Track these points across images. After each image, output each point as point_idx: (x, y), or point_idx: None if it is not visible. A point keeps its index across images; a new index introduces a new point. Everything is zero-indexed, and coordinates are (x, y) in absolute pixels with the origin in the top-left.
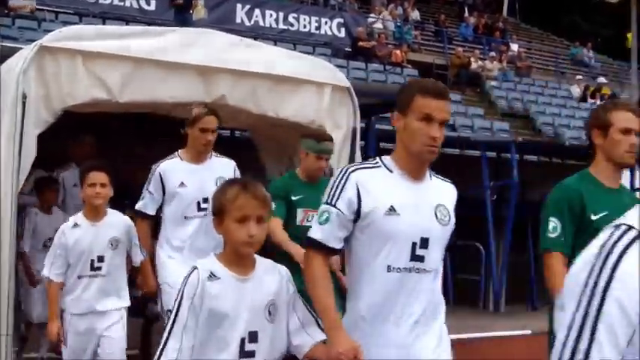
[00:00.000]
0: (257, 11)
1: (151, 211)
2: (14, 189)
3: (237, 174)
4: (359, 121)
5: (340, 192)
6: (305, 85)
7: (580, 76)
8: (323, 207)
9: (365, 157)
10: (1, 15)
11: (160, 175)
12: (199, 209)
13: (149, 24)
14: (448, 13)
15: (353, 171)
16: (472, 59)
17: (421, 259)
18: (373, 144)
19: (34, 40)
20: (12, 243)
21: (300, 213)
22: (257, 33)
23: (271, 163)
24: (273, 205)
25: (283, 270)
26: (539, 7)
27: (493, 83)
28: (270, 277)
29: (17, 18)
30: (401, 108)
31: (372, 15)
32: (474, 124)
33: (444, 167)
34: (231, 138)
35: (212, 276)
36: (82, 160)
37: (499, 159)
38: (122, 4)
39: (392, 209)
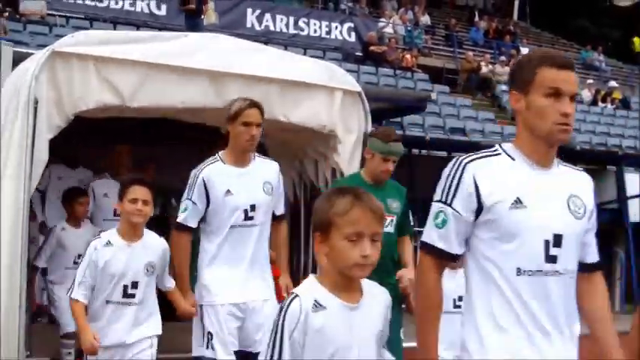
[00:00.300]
0: (267, 16)
1: (194, 224)
2: (26, 194)
3: (280, 177)
4: (370, 125)
5: (456, 188)
6: (316, 90)
7: (591, 80)
8: (437, 206)
9: None
10: (12, 20)
11: (204, 182)
12: (246, 218)
13: (160, 29)
14: (458, 18)
15: (469, 162)
16: (482, 63)
17: (554, 259)
18: None
19: (46, 45)
20: (24, 248)
21: None
22: (268, 38)
23: (282, 167)
24: None
25: (387, 294)
26: (549, 11)
27: (503, 87)
28: (378, 303)
29: (28, 23)
30: (521, 85)
31: (382, 19)
32: (485, 129)
33: None
34: None
35: (317, 305)
36: (116, 170)
37: None
38: (133, 9)
39: (518, 201)
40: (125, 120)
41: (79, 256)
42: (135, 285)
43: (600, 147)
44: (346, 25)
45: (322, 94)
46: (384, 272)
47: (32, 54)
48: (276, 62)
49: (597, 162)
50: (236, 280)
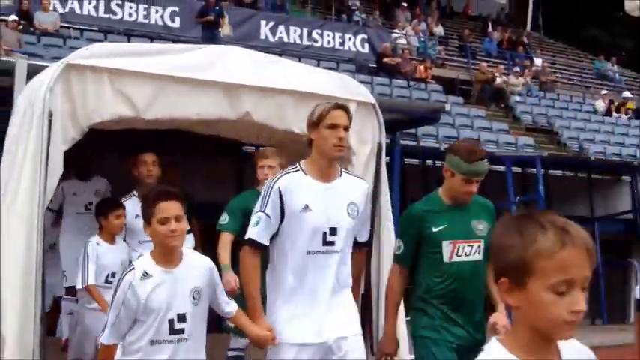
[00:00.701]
0: (281, 28)
1: (266, 241)
2: (41, 208)
3: (369, 199)
4: (384, 136)
5: None
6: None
7: (605, 91)
8: None
9: (390, 173)
10: (26, 32)
11: (280, 193)
12: (325, 242)
13: (174, 41)
14: (472, 29)
15: None
16: (496, 74)
17: None
18: (398, 160)
19: (60, 58)
20: (39, 263)
21: (446, 246)
22: (281, 49)
23: None
24: (401, 247)
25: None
26: (562, 22)
27: (517, 98)
28: None
29: (43, 35)
30: None
31: (395, 31)
32: (499, 140)
33: None
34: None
35: None
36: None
37: (524, 174)
38: (147, 21)
39: None
40: (138, 131)
41: (113, 274)
42: (182, 317)
43: (615, 157)
44: (360, 37)
45: None
46: (471, 309)
47: (47, 66)
48: (290, 74)
49: (612, 172)
50: (312, 316)
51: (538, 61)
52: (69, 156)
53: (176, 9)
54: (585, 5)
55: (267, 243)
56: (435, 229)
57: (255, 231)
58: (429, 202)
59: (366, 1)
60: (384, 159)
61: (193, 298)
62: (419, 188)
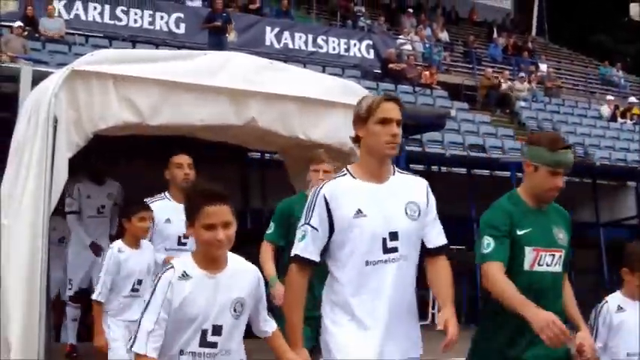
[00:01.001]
0: (286, 34)
1: (316, 257)
2: (45, 215)
3: (431, 197)
4: None
5: None
6: (335, 107)
7: (610, 96)
8: None
9: None
10: (32, 39)
11: (326, 200)
12: (385, 250)
13: (179, 47)
14: (477, 34)
15: None
16: (501, 80)
17: None
18: (403, 165)
19: (65, 64)
20: (44, 269)
21: (529, 253)
22: (286, 55)
23: (301, 186)
24: (490, 244)
25: None
26: (568, 27)
27: (523, 104)
28: None
29: (48, 42)
30: None
31: (401, 37)
32: (504, 145)
33: (474, 189)
34: (260, 160)
35: None
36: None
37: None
38: (152, 27)
39: None
40: (144, 137)
41: (139, 282)
42: (218, 330)
43: (620, 163)
44: (365, 43)
45: (341, 111)
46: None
47: (52, 73)
48: (295, 80)
49: (617, 178)
50: (370, 336)
51: (543, 67)
52: (84, 158)
53: (181, 15)
54: (591, 11)
55: (317, 259)
56: (519, 232)
57: (302, 246)
58: (510, 200)
59: (371, 7)
60: None
61: (234, 310)
62: None
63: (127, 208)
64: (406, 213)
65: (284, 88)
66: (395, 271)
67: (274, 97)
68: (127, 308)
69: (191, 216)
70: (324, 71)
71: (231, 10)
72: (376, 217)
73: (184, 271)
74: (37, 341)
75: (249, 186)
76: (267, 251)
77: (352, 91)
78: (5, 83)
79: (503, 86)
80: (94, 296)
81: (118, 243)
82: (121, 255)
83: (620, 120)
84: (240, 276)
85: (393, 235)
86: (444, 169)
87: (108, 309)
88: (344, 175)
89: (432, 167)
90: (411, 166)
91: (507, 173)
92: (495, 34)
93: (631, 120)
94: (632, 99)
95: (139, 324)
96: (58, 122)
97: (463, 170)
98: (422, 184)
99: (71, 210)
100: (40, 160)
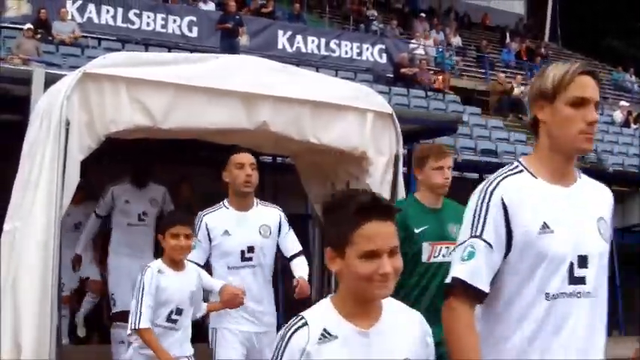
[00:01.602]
0: (299, 37)
1: (487, 285)
2: (58, 215)
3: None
4: (402, 147)
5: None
6: (347, 112)
7: (623, 102)
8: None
9: (407, 184)
10: (45, 42)
11: (504, 205)
12: (572, 279)
13: (191, 50)
14: (490, 39)
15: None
16: (514, 85)
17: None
18: None
19: (78, 67)
20: (56, 273)
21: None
22: (299, 59)
23: (314, 190)
24: None
25: None
26: (581, 32)
27: None
28: None
29: (61, 45)
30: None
31: (413, 41)
32: (517, 150)
33: None
34: (272, 164)
35: None
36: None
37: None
38: (164, 30)
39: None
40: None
41: (178, 311)
42: None
43: (632, 168)
44: (377, 47)
45: (353, 115)
46: None
47: (64, 75)
48: (307, 84)
49: (629, 183)
50: None
51: None
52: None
53: (194, 18)
54: (604, 16)
55: (488, 290)
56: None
57: (469, 269)
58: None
59: (384, 12)
60: (400, 169)
61: None
62: None
63: (162, 221)
64: (599, 232)
65: (296, 91)
66: (583, 308)
67: (286, 100)
68: (161, 340)
69: (339, 239)
70: (336, 75)
71: (244, 13)
72: (564, 234)
73: (325, 330)
74: (48, 343)
75: (263, 190)
76: None
77: (365, 96)
78: (17, 86)
79: (516, 91)
80: (140, 325)
81: (158, 263)
82: (161, 277)
83: (633, 126)
84: (402, 330)
85: (582, 261)
86: (456, 173)
87: (134, 338)
88: (519, 171)
89: None
90: None
91: None
92: (508, 39)
93: None
94: None
95: None
96: (70, 125)
97: (475, 175)
98: (609, 196)
99: (95, 211)
100: (52, 163)
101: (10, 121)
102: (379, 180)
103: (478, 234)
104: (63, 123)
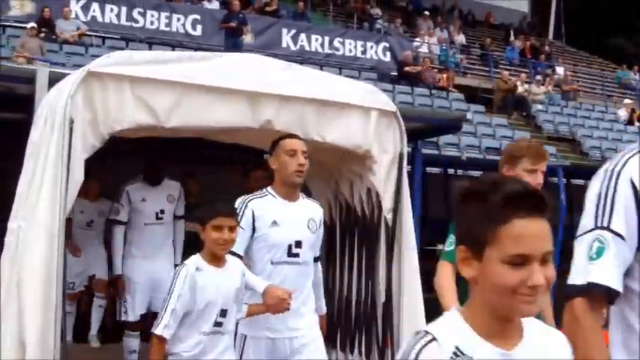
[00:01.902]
0: (303, 36)
1: (620, 285)
2: (62, 216)
3: None
4: (406, 145)
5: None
6: (351, 110)
7: (627, 100)
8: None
9: (411, 182)
10: (49, 40)
11: (635, 189)
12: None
13: (195, 49)
14: (494, 37)
15: None
16: (518, 83)
17: None
18: (419, 168)
19: (82, 65)
20: (60, 273)
21: None
22: (303, 57)
23: (317, 188)
24: None
25: None
26: (585, 30)
27: (539, 107)
28: None
29: (64, 43)
30: None
31: (417, 39)
32: None
33: None
34: None
35: None
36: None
37: (546, 183)
38: (168, 29)
39: None
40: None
41: (223, 313)
42: None
43: None
44: (381, 45)
45: (358, 113)
46: None
47: (68, 74)
48: (311, 82)
49: None
50: None
51: (560, 70)
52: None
53: (198, 17)
54: (608, 14)
55: (620, 289)
56: None
57: (598, 268)
58: None
59: (388, 10)
60: (405, 167)
61: None
62: (441, 197)
63: (201, 212)
64: None
65: (300, 90)
66: None
67: (290, 99)
68: (209, 349)
69: (478, 236)
70: (340, 74)
71: (248, 11)
72: None
73: (457, 349)
74: (53, 342)
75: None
76: (446, 274)
77: (369, 94)
78: (21, 84)
79: (520, 89)
80: (156, 329)
81: (196, 259)
82: (198, 275)
83: (637, 124)
84: (549, 355)
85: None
86: (460, 172)
87: (180, 349)
88: None
89: (449, 170)
90: (427, 169)
91: None
92: (512, 37)
93: None
94: None
95: None
96: (74, 123)
97: (480, 173)
98: None
99: (116, 219)
100: (56, 162)
101: (14, 119)
102: (383, 178)
103: (605, 225)
104: (67, 122)
